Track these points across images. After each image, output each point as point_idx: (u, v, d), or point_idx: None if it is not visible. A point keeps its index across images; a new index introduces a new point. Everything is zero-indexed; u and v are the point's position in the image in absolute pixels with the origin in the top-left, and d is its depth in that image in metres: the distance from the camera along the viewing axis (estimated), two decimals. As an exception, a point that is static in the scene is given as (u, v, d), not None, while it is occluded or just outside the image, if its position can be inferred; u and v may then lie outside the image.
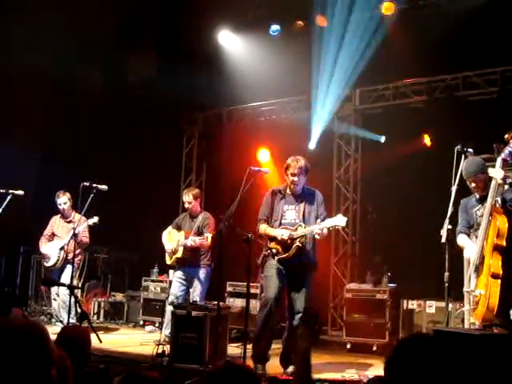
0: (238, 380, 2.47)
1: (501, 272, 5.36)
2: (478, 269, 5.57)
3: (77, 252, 8.64)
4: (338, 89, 10.39)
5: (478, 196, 6.01)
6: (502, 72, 9.21)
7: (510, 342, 4.29)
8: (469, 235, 6.08)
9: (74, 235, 8.28)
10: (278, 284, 6.44)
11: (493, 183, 5.64)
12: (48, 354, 2.05)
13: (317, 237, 6.39)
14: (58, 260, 8.90)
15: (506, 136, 5.81)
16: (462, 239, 6.06)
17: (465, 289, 5.84)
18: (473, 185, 5.96)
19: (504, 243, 5.46)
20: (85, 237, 8.98)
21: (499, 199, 5.71)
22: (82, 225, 8.74)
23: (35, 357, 2.00)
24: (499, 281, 5.33)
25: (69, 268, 8.57)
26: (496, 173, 5.62)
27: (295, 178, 6.53)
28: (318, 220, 6.49)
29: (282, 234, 6.45)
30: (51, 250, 9.01)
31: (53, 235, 9.21)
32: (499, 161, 5.69)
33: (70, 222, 9.07)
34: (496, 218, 5.53)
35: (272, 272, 6.49)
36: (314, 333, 3.12)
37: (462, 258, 7.32)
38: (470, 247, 5.90)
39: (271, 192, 6.79)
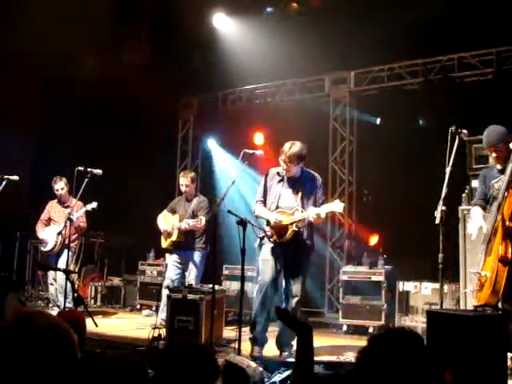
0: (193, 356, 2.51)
1: (510, 256, 5.23)
2: (487, 249, 5.46)
3: (74, 237, 8.67)
4: (333, 70, 10.36)
5: (499, 167, 5.77)
6: (497, 53, 9.17)
7: (502, 323, 4.30)
8: (485, 208, 5.88)
9: (70, 220, 8.26)
10: (274, 268, 6.41)
11: None
12: (75, 360, 2.08)
13: (311, 220, 6.37)
14: (55, 245, 8.88)
15: None
16: (473, 211, 5.89)
17: (469, 269, 5.74)
18: (493, 155, 5.74)
19: None
20: (82, 222, 8.99)
21: None
22: (80, 210, 8.75)
23: (62, 360, 2.03)
24: (507, 266, 5.21)
25: (66, 253, 8.58)
26: None
27: (285, 166, 6.47)
28: (312, 207, 6.45)
29: (275, 218, 6.40)
30: (48, 234, 9.00)
31: (49, 220, 9.21)
32: None
33: (67, 207, 9.04)
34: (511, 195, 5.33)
35: (268, 256, 6.46)
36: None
37: (458, 239, 7.36)
38: (474, 221, 5.73)
39: (269, 173, 6.71)
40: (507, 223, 5.31)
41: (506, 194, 5.37)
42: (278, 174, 6.64)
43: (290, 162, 6.41)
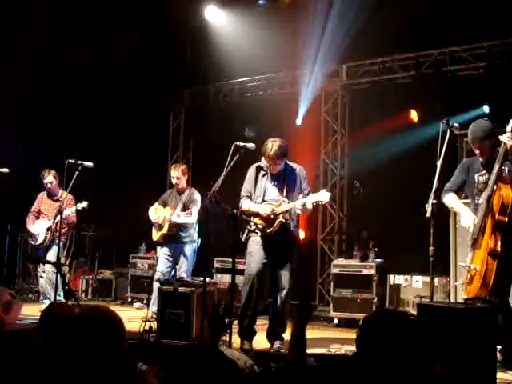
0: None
1: (499, 249, 5.24)
2: (477, 242, 5.45)
3: (63, 230, 8.62)
4: (325, 64, 10.34)
5: (482, 160, 5.73)
6: (489, 47, 9.18)
7: (492, 315, 4.31)
8: (457, 194, 5.90)
9: (60, 213, 8.21)
10: (260, 260, 6.42)
11: (501, 149, 5.37)
12: (122, 334, 2.57)
13: (298, 212, 6.39)
14: (45, 239, 8.85)
15: None
16: (451, 198, 5.86)
17: (459, 263, 5.74)
18: (477, 151, 5.70)
19: (506, 219, 5.29)
20: (73, 216, 8.91)
21: (506, 168, 5.47)
22: (71, 208, 8.69)
23: (114, 336, 2.52)
24: (497, 259, 5.22)
25: (55, 246, 8.55)
26: (506, 138, 5.34)
27: (271, 165, 6.49)
28: (301, 196, 6.46)
29: (264, 209, 6.41)
30: (38, 228, 8.95)
31: (39, 212, 9.15)
32: (511, 123, 5.41)
33: (57, 200, 8.98)
34: (501, 188, 5.32)
35: (255, 248, 6.47)
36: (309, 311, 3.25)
37: (448, 233, 7.38)
38: (466, 215, 5.68)
39: (254, 168, 6.71)
40: (496, 216, 5.31)
41: (494, 188, 5.36)
42: (261, 168, 6.65)
43: (274, 163, 6.44)
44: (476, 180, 5.77)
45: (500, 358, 5.12)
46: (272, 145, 6.38)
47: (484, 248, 5.33)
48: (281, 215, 6.36)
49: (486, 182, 5.59)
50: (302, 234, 8.72)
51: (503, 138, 5.40)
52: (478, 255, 5.41)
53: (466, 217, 5.71)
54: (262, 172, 6.64)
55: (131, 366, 2.59)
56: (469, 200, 5.98)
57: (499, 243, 5.27)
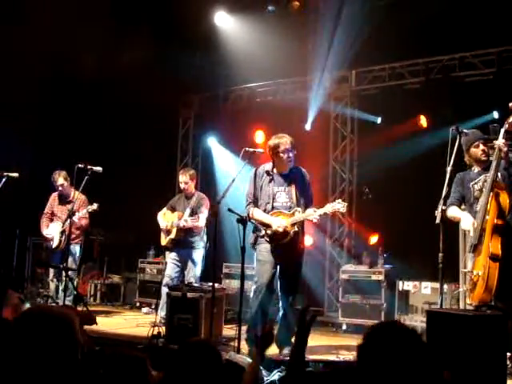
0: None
1: (500, 253, 5.28)
2: (477, 248, 5.48)
3: (77, 232, 8.68)
4: (334, 69, 10.34)
5: (477, 169, 5.88)
6: (498, 53, 9.16)
7: (502, 322, 4.30)
8: (459, 207, 5.96)
9: (71, 216, 8.21)
10: (271, 270, 6.42)
11: (495, 155, 5.48)
12: (75, 339, 2.34)
13: (315, 220, 6.39)
14: (60, 242, 8.83)
15: (511, 105, 5.58)
16: (453, 210, 5.90)
17: (462, 269, 5.76)
18: (481, 147, 5.82)
19: (504, 223, 5.38)
20: (85, 218, 8.89)
21: (499, 174, 5.56)
22: (82, 210, 8.68)
23: (65, 340, 2.30)
24: (498, 262, 5.25)
25: (72, 250, 8.58)
26: (501, 143, 5.47)
27: (290, 154, 6.45)
28: (314, 207, 6.47)
29: (278, 225, 6.35)
30: (53, 232, 8.96)
31: (53, 214, 9.16)
32: (502, 132, 5.55)
33: (69, 202, 8.98)
34: (497, 193, 5.40)
35: (266, 257, 6.45)
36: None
37: (457, 239, 7.35)
38: (465, 218, 5.73)
39: (256, 172, 6.68)
40: (495, 221, 5.38)
41: (491, 194, 5.43)
42: (267, 172, 6.62)
43: (293, 149, 6.44)
44: (471, 189, 5.87)
45: (510, 365, 5.10)
46: (283, 136, 6.46)
47: (485, 253, 5.37)
48: (295, 225, 6.35)
49: (481, 189, 5.70)
50: (309, 240, 8.73)
51: (498, 143, 5.51)
52: (479, 261, 5.43)
53: (465, 220, 5.76)
54: (268, 177, 6.60)
55: (143, 372, 2.57)
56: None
57: (499, 246, 5.32)
